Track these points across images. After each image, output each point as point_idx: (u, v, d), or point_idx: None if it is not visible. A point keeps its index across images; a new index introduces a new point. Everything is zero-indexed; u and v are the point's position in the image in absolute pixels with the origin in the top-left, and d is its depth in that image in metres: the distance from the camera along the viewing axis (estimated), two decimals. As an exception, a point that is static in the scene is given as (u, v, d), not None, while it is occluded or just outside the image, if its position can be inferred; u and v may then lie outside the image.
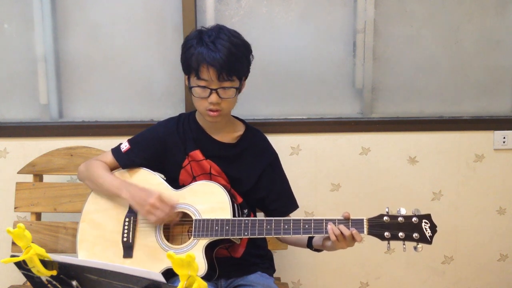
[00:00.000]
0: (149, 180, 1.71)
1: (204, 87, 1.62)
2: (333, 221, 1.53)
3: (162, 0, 2.21)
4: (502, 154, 2.37)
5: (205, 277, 1.56)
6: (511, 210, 2.42)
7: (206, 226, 1.59)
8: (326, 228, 1.52)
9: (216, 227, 1.58)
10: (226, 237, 1.59)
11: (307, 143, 2.28)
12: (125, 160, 1.74)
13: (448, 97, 2.37)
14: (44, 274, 1.17)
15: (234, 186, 1.74)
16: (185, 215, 1.65)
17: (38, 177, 2.10)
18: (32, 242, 1.16)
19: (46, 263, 1.16)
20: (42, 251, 1.16)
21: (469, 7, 2.33)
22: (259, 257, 1.81)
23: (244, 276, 1.74)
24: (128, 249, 1.64)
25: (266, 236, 1.60)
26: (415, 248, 1.48)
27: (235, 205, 1.64)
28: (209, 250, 1.60)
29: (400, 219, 1.50)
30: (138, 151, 1.75)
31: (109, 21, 2.23)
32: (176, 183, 1.73)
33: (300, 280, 2.38)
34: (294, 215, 1.78)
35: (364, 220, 1.51)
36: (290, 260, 2.35)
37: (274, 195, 1.78)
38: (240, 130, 1.80)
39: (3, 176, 2.19)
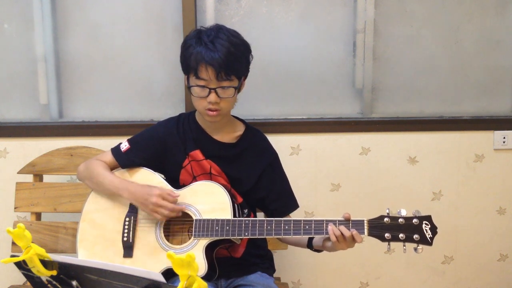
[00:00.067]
0: (150, 180, 1.71)
1: (203, 86, 1.62)
2: (334, 222, 1.53)
3: (162, 0, 2.21)
4: (502, 154, 2.37)
5: (205, 277, 1.56)
6: (511, 210, 2.42)
7: (206, 226, 1.59)
8: (326, 229, 1.52)
9: (217, 227, 1.58)
10: (226, 237, 1.59)
11: (307, 143, 2.28)
12: (124, 160, 1.74)
13: (448, 97, 2.37)
14: (44, 274, 1.17)
15: (234, 186, 1.74)
16: (185, 215, 1.64)
17: (38, 177, 2.10)
18: (32, 242, 1.16)
19: (46, 263, 1.16)
20: (42, 251, 1.16)
21: (469, 7, 2.33)
22: (259, 257, 1.81)
23: (244, 276, 1.74)
24: (128, 249, 1.64)
25: (266, 237, 1.60)
26: (415, 249, 1.49)
27: (236, 205, 1.65)
28: (209, 250, 1.60)
29: (400, 220, 1.50)
30: (137, 151, 1.75)
31: (109, 21, 2.23)
32: (176, 183, 1.73)
33: (300, 280, 2.38)
34: (294, 215, 1.78)
35: (365, 221, 1.51)
36: (290, 260, 2.35)
37: (274, 195, 1.78)
38: (240, 130, 1.80)
39: (3, 176, 2.19)
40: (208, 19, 2.20)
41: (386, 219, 1.50)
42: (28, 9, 2.19)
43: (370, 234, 1.51)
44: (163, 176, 1.75)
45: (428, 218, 1.50)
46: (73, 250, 1.93)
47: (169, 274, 1.48)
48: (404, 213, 1.50)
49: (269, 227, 1.57)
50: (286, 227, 1.56)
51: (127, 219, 1.67)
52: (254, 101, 2.27)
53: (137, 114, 2.27)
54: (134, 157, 1.74)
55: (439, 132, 2.33)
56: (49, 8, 2.19)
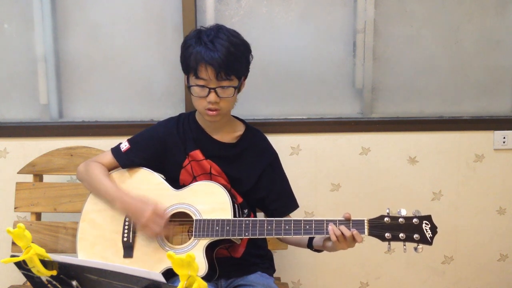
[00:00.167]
0: (149, 180, 1.71)
1: (202, 86, 1.62)
2: (334, 221, 1.53)
3: (162, 0, 2.21)
4: (502, 154, 2.37)
5: (205, 277, 1.56)
6: (511, 210, 2.42)
7: (206, 226, 1.59)
8: (327, 229, 1.53)
9: (217, 227, 1.58)
10: (226, 238, 1.59)
11: (307, 143, 2.28)
12: (124, 160, 1.74)
13: (448, 97, 2.37)
14: (44, 274, 1.17)
15: (234, 186, 1.74)
16: (185, 215, 1.64)
17: (38, 177, 2.10)
18: (32, 242, 1.16)
19: (46, 263, 1.16)
20: (42, 251, 1.16)
21: (469, 7, 2.33)
22: (259, 257, 1.81)
23: (244, 276, 1.74)
24: (128, 249, 1.64)
25: (266, 237, 1.60)
26: (416, 249, 1.49)
27: (236, 205, 1.65)
28: (210, 250, 1.60)
29: (400, 220, 1.50)
30: (137, 151, 1.75)
31: (109, 21, 2.23)
32: (176, 183, 1.73)
33: (300, 280, 2.38)
34: (294, 215, 1.78)
35: (365, 221, 1.52)
36: (290, 260, 2.35)
37: (274, 195, 1.78)
38: (240, 130, 1.80)
39: (3, 176, 2.19)
40: (208, 19, 2.20)
41: (386, 219, 1.50)
42: (28, 9, 2.19)
43: (370, 234, 1.51)
44: (163, 176, 1.75)
45: (428, 218, 1.50)
46: (73, 250, 1.93)
47: (169, 274, 1.48)
48: (404, 213, 1.51)
49: (269, 227, 1.57)
50: (287, 227, 1.56)
51: (127, 219, 1.67)
52: (254, 101, 2.27)
53: (137, 114, 2.27)
54: (134, 157, 1.74)
55: (439, 132, 2.33)
56: (49, 8, 2.19)
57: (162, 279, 1.07)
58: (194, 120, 1.79)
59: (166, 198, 1.67)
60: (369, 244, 2.32)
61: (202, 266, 1.55)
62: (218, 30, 1.63)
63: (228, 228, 1.58)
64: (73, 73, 2.25)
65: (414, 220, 1.50)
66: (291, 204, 1.81)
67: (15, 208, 2.07)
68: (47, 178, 2.13)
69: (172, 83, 2.25)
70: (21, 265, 1.17)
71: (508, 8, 2.34)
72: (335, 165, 2.30)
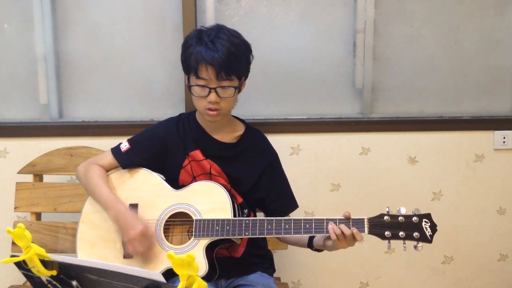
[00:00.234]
0: (149, 180, 1.71)
1: (203, 86, 1.62)
2: (334, 220, 1.53)
3: (162, 0, 2.21)
4: (502, 154, 2.37)
5: (206, 277, 1.56)
6: (511, 210, 2.42)
7: (206, 226, 1.59)
8: (327, 228, 1.53)
9: (217, 227, 1.58)
10: (226, 237, 1.59)
11: (307, 143, 2.28)
12: (125, 160, 1.74)
13: (448, 97, 2.37)
14: (44, 274, 1.17)
15: (234, 186, 1.74)
16: (185, 215, 1.64)
17: (38, 177, 2.10)
18: (32, 242, 1.16)
19: (46, 263, 1.16)
20: (42, 251, 1.15)
21: (469, 7, 2.33)
22: (259, 257, 1.81)
23: (244, 276, 1.74)
24: (128, 249, 1.64)
25: (266, 236, 1.60)
26: (415, 247, 1.49)
27: (236, 205, 1.64)
28: (210, 250, 1.60)
29: (400, 218, 1.50)
30: (138, 151, 1.75)
31: (109, 21, 2.23)
32: (176, 183, 1.73)
33: (300, 280, 2.38)
34: (293, 215, 1.78)
35: (365, 220, 1.52)
36: (290, 260, 2.34)
37: (274, 195, 1.78)
38: (240, 130, 1.80)
39: (3, 176, 2.19)
40: (208, 19, 2.20)
41: (386, 217, 1.51)
42: (28, 9, 2.19)
43: (370, 232, 1.51)
44: (162, 176, 1.75)
45: (428, 216, 1.51)
46: (73, 250, 1.92)
47: (169, 274, 1.48)
48: (403, 211, 1.51)
49: (269, 227, 1.57)
50: (287, 226, 1.56)
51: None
52: (254, 101, 2.27)
53: (137, 114, 2.27)
54: (135, 157, 1.74)
55: (439, 132, 2.33)
56: (49, 8, 2.19)
57: (162, 279, 1.07)
58: (194, 120, 1.79)
59: (166, 198, 1.67)
60: (369, 244, 2.33)
61: (202, 266, 1.55)
62: (219, 30, 1.63)
63: (228, 227, 1.58)
64: (73, 73, 2.25)
65: (414, 218, 1.50)
66: (291, 204, 1.81)
67: (15, 208, 2.07)
68: (47, 178, 2.13)
69: (172, 83, 2.25)
70: (21, 265, 1.17)
71: (508, 8, 2.34)
72: (335, 165, 2.30)
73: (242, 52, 1.64)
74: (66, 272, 1.16)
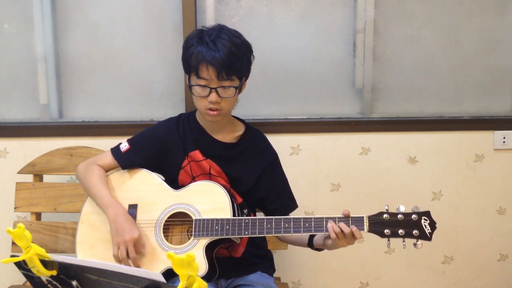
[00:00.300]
0: (148, 181, 1.71)
1: (204, 86, 1.62)
2: (333, 219, 1.53)
3: (162, 0, 2.21)
4: (502, 154, 2.37)
5: (205, 277, 1.56)
6: (511, 210, 2.42)
7: (206, 226, 1.59)
8: (326, 226, 1.53)
9: (216, 227, 1.58)
10: (226, 237, 1.59)
11: (307, 143, 2.28)
12: (125, 160, 1.74)
13: (448, 97, 2.37)
14: (44, 274, 1.17)
15: (234, 186, 1.74)
16: (185, 215, 1.64)
17: (38, 177, 2.10)
18: (32, 242, 1.16)
19: (46, 263, 1.16)
20: (42, 251, 1.15)
21: (469, 7, 2.33)
22: (259, 257, 1.81)
23: (244, 276, 1.73)
24: (127, 249, 1.64)
25: (266, 235, 1.60)
26: (415, 244, 1.49)
27: (235, 205, 1.64)
28: (210, 250, 1.60)
29: (399, 216, 1.50)
30: (138, 151, 1.75)
31: (109, 21, 2.23)
32: (175, 183, 1.73)
33: (300, 280, 2.38)
34: (293, 215, 1.77)
35: (364, 218, 1.52)
36: (290, 260, 2.35)
37: (274, 195, 1.78)
38: (240, 130, 1.80)
39: (3, 176, 2.19)
40: (208, 19, 2.20)
41: (385, 216, 1.51)
42: (28, 9, 2.19)
43: (369, 230, 1.51)
44: (162, 176, 1.75)
45: (427, 214, 1.51)
46: (73, 250, 1.92)
47: (169, 274, 1.48)
48: (403, 209, 1.51)
49: (269, 226, 1.57)
50: (286, 225, 1.56)
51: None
52: (254, 101, 2.27)
53: (137, 114, 2.27)
54: (135, 157, 1.74)
55: (439, 132, 2.33)
56: (49, 8, 2.19)
57: (162, 279, 1.07)
58: (194, 120, 1.79)
59: (166, 198, 1.67)
60: (369, 244, 2.33)
61: (202, 266, 1.55)
62: (220, 30, 1.63)
63: (227, 227, 1.58)
64: (73, 73, 2.25)
65: (413, 216, 1.50)
66: (291, 204, 1.81)
67: (15, 208, 2.07)
68: (47, 178, 2.13)
69: (172, 83, 2.25)
70: (21, 265, 1.17)
71: (508, 8, 2.34)
72: (335, 165, 2.30)
73: (243, 52, 1.64)
74: (66, 272, 1.16)
